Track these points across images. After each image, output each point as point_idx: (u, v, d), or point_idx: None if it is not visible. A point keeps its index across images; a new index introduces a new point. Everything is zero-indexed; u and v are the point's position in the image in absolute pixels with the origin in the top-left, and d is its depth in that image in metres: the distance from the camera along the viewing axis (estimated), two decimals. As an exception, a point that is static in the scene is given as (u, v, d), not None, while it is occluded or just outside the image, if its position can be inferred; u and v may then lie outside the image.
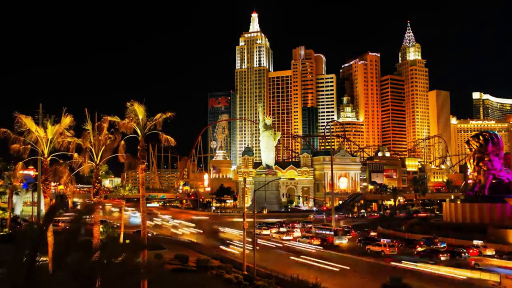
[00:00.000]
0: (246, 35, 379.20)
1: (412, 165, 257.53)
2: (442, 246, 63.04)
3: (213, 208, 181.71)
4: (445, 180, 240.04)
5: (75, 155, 35.49)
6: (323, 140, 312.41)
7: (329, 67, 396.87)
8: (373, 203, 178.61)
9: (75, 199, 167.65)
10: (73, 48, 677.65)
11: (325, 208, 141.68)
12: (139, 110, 34.97)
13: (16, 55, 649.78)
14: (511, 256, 51.35)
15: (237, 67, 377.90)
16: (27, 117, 33.19)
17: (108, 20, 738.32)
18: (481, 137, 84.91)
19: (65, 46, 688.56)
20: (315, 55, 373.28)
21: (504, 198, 75.79)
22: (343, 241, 71.95)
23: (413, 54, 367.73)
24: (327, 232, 78.21)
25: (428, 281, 43.04)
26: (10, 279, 11.25)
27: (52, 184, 38.87)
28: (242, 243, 51.59)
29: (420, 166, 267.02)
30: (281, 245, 72.02)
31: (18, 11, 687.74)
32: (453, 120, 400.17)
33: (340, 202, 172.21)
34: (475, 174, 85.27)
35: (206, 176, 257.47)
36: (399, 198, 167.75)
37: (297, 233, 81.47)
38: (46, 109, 37.49)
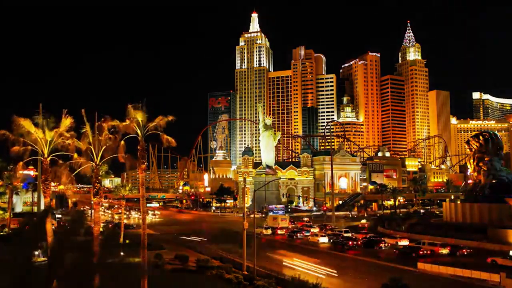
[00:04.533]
0: (246, 35, 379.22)
1: (412, 165, 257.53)
2: None
3: (213, 208, 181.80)
4: (445, 180, 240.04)
5: (75, 155, 35.54)
6: (323, 140, 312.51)
7: (329, 67, 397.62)
8: (373, 203, 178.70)
9: (75, 199, 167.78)
10: (74, 47, 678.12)
11: (325, 208, 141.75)
12: (138, 115, 35.14)
13: (16, 55, 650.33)
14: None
15: (237, 67, 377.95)
16: (25, 120, 33.23)
17: (109, 19, 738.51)
18: (481, 137, 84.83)
19: (68, 47, 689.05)
20: (315, 55, 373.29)
21: (504, 198, 75.76)
22: None
23: (413, 54, 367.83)
24: None
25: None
26: (8, 278, 11.28)
27: (52, 184, 38.90)
28: None
29: (420, 166, 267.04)
30: None
31: (19, 10, 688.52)
32: (453, 120, 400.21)
33: (340, 202, 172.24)
34: (475, 174, 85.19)
35: (206, 176, 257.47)
36: (399, 198, 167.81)
37: None
38: (47, 109, 37.56)
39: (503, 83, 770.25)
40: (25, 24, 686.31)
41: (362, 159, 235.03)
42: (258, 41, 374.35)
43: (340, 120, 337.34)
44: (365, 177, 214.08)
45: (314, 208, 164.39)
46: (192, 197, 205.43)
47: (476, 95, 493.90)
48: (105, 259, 13.18)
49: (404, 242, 66.88)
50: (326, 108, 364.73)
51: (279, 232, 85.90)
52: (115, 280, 12.45)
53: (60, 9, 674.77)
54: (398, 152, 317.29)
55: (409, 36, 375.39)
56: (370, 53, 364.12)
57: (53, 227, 36.18)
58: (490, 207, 76.08)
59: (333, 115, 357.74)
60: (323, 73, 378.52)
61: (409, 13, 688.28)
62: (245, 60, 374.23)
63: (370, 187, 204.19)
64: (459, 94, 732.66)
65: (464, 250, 59.07)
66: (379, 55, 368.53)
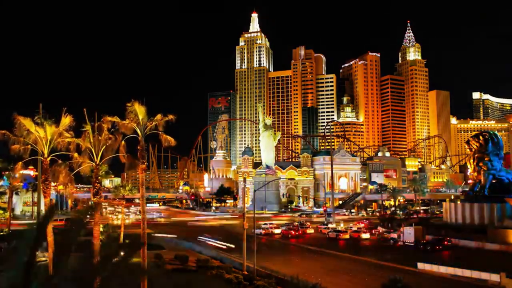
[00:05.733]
0: (246, 35, 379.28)
1: (412, 165, 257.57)
2: None
3: (213, 208, 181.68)
4: (445, 180, 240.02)
5: (75, 155, 35.48)
6: (323, 140, 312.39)
7: (329, 67, 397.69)
8: (373, 203, 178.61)
9: (75, 199, 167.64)
10: (74, 48, 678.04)
11: (325, 208, 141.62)
12: (140, 110, 34.93)
13: (16, 55, 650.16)
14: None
15: (237, 67, 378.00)
16: (26, 119, 33.17)
17: (109, 19, 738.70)
18: (481, 137, 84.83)
19: (68, 47, 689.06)
20: (315, 55, 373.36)
21: (504, 198, 75.75)
22: None
23: (413, 54, 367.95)
24: None
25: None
26: (9, 280, 11.28)
27: (52, 184, 38.86)
28: None
29: (420, 166, 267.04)
30: None
31: (19, 8, 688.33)
32: (453, 120, 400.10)
33: (340, 202, 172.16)
34: (475, 174, 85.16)
35: (206, 176, 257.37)
36: (399, 198, 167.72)
37: None
38: (46, 109, 37.53)
39: (503, 83, 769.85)
40: (25, 24, 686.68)
41: (362, 159, 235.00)
42: (258, 41, 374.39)
43: (340, 120, 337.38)
44: (365, 177, 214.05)
45: (314, 208, 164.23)
46: (192, 197, 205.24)
47: (476, 95, 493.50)
48: (105, 259, 13.18)
49: None
50: (326, 108, 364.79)
51: None
52: (114, 280, 12.44)
53: (62, 9, 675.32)
54: (398, 152, 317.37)
55: (409, 36, 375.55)
56: (370, 53, 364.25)
57: (52, 227, 36.10)
58: (490, 207, 76.07)
59: (333, 115, 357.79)
60: (323, 73, 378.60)
61: (409, 13, 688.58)
62: (245, 60, 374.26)
63: (370, 187, 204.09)
64: (459, 94, 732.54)
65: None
66: (379, 55, 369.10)
